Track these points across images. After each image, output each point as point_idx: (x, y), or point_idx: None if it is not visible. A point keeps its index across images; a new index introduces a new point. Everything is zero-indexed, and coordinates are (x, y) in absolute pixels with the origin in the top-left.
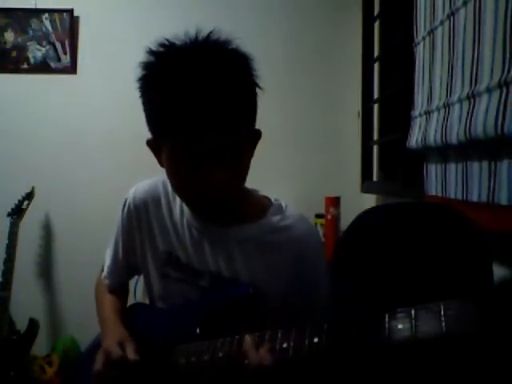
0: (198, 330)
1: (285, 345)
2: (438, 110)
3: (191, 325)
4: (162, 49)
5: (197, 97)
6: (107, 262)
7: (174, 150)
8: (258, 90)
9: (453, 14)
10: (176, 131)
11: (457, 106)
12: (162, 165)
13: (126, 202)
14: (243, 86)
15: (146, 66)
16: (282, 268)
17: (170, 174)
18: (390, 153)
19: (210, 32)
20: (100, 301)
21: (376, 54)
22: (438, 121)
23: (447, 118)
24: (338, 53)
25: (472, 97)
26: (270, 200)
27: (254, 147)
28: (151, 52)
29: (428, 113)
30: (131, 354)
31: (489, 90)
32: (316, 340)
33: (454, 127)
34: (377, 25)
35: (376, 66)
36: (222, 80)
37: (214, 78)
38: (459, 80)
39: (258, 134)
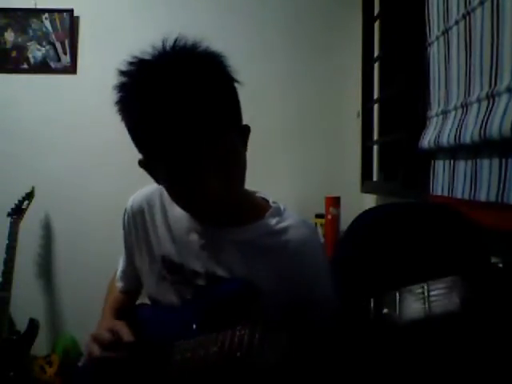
0: (194, 327)
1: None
2: (456, 109)
3: (188, 322)
4: (132, 67)
5: (179, 108)
6: (120, 266)
7: (168, 167)
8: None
9: (468, 13)
10: (166, 149)
11: (475, 106)
12: (158, 182)
13: (125, 211)
14: (221, 85)
15: (121, 89)
16: (279, 270)
17: (169, 190)
18: (390, 153)
19: (176, 39)
20: (105, 299)
21: (376, 53)
22: (454, 120)
23: (464, 117)
24: (338, 53)
25: (491, 96)
26: (268, 202)
27: (246, 143)
28: (123, 73)
29: (445, 112)
30: (126, 335)
31: (509, 90)
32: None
33: (470, 127)
34: (377, 25)
35: (376, 65)
36: (199, 85)
37: (191, 85)
38: (478, 80)
39: (247, 130)
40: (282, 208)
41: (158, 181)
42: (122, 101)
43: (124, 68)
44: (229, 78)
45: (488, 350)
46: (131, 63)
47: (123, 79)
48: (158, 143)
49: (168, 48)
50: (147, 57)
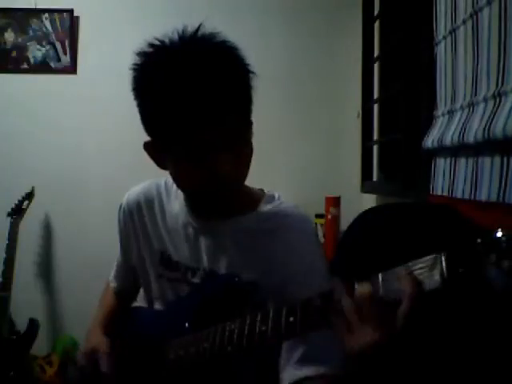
0: (186, 325)
1: (263, 327)
2: (462, 109)
3: (181, 320)
4: (152, 49)
5: (196, 90)
6: (114, 265)
7: (182, 148)
8: (254, 78)
9: (476, 13)
10: (181, 129)
11: (481, 105)
12: (162, 167)
13: (120, 206)
14: (238, 73)
15: (139, 69)
16: (273, 255)
17: (178, 174)
18: (390, 153)
19: (198, 27)
20: (99, 302)
21: (376, 54)
22: (459, 120)
23: (469, 117)
24: (338, 53)
25: (498, 96)
26: (263, 191)
27: (251, 137)
28: (142, 54)
29: (451, 112)
30: (104, 366)
31: None
32: (291, 319)
33: (474, 126)
34: (377, 25)
35: (376, 66)
36: (217, 70)
37: (209, 70)
38: (484, 80)
39: (251, 125)
40: (276, 195)
41: (163, 164)
42: (138, 81)
43: (143, 49)
44: (246, 68)
45: (468, 324)
46: (151, 45)
47: (141, 60)
48: (174, 121)
49: (188, 34)
50: (167, 40)
